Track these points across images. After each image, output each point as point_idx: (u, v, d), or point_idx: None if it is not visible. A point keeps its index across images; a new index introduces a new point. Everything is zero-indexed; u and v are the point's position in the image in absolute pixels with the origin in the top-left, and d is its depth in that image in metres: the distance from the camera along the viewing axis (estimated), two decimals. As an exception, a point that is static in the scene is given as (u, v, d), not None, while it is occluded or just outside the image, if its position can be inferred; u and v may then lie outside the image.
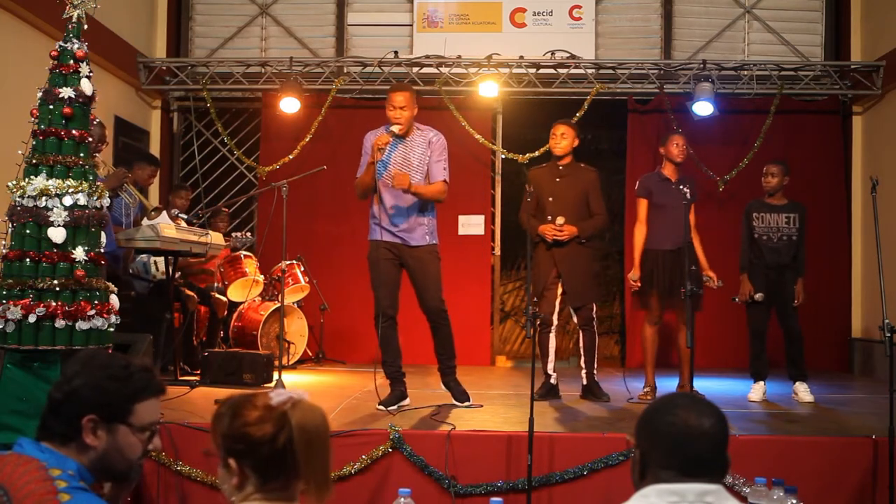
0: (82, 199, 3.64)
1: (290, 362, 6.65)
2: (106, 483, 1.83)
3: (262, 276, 6.81)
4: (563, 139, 5.26)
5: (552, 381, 5.22)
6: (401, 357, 4.73)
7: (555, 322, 5.24)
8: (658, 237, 5.28)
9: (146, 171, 5.87)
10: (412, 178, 4.59)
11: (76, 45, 3.75)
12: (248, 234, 7.10)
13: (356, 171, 7.60)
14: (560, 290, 5.21)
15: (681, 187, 5.15)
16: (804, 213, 5.46)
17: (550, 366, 5.22)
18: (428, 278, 4.65)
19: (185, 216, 5.98)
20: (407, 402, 4.68)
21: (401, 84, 4.95)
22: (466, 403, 4.67)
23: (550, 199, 5.20)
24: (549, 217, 5.17)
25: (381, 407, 4.54)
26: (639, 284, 5.29)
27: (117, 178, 5.19)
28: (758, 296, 5.35)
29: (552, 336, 5.24)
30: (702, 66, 7.42)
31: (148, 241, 5.10)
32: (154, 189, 7.91)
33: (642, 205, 5.40)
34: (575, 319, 5.26)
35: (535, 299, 4.84)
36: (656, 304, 5.31)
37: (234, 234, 7.06)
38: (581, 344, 5.25)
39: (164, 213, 5.81)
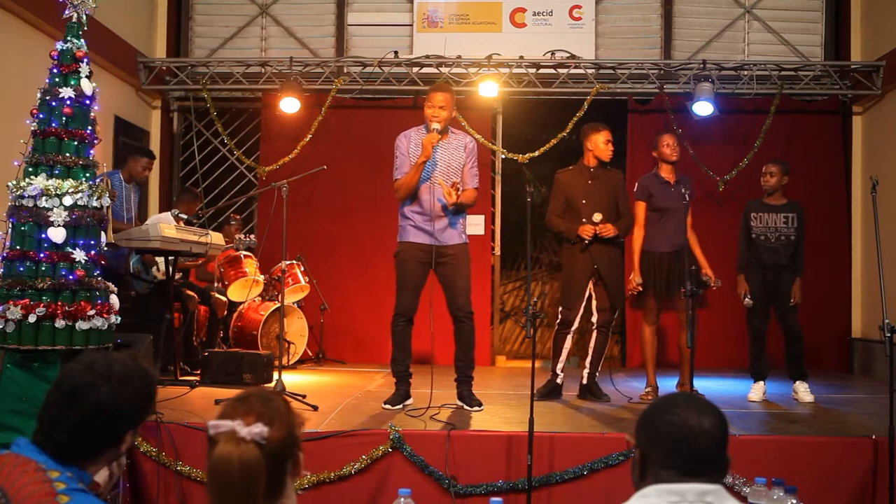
0: (82, 199, 3.64)
1: (290, 362, 6.65)
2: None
3: (262, 276, 6.81)
4: (612, 146, 5.27)
5: (558, 380, 5.22)
6: (410, 357, 4.77)
7: (576, 324, 5.23)
8: (656, 239, 5.30)
9: (140, 162, 5.89)
10: (452, 179, 4.62)
11: (76, 45, 3.75)
12: (252, 236, 7.12)
13: (356, 171, 7.70)
14: (587, 293, 5.20)
15: (682, 189, 5.15)
16: (802, 213, 5.46)
17: (560, 365, 5.22)
18: (460, 277, 4.68)
19: (186, 216, 5.98)
20: (410, 401, 4.71)
21: (441, 84, 4.89)
22: (477, 409, 4.67)
23: (584, 201, 5.18)
24: (584, 220, 5.14)
25: (387, 406, 4.59)
26: (640, 288, 5.29)
27: None
28: (747, 301, 5.36)
29: (569, 337, 5.23)
30: (702, 66, 7.42)
31: (148, 242, 5.09)
32: (154, 189, 7.93)
33: (640, 207, 5.40)
34: (594, 319, 5.23)
35: (536, 299, 4.84)
36: (654, 306, 5.32)
37: (237, 237, 7.08)
38: (593, 344, 5.23)
39: (168, 213, 5.82)
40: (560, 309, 5.21)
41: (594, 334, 5.25)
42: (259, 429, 1.53)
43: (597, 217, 5.12)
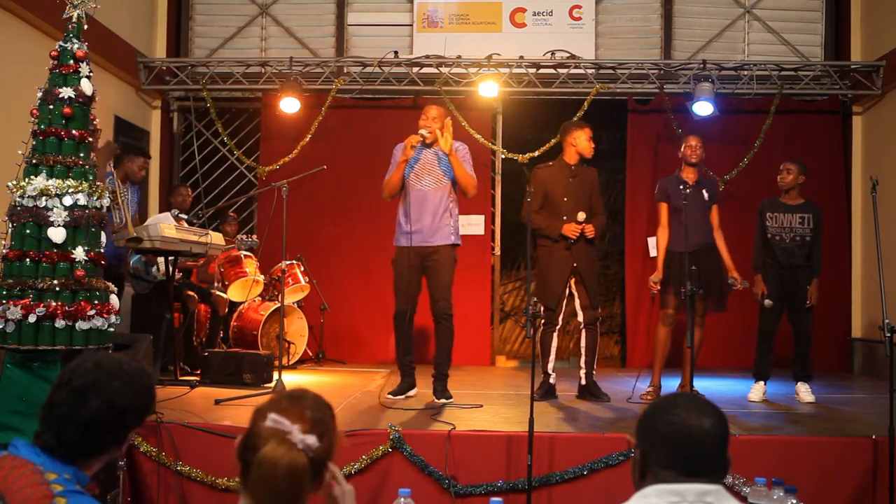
0: (82, 199, 3.64)
1: (290, 362, 6.65)
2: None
3: (262, 276, 6.81)
4: (593, 143, 5.31)
5: (551, 380, 5.22)
6: (412, 351, 4.94)
7: (559, 322, 5.24)
8: (676, 240, 5.26)
9: (136, 162, 5.89)
10: (441, 182, 4.80)
11: (76, 45, 3.75)
12: (254, 236, 7.12)
13: (356, 171, 7.70)
14: (567, 291, 5.21)
15: (702, 190, 5.15)
16: (819, 214, 5.41)
17: (550, 365, 5.22)
18: (440, 281, 4.82)
19: (186, 216, 5.98)
20: (414, 392, 4.86)
21: (437, 99, 5.15)
22: (443, 401, 4.77)
23: (565, 198, 5.18)
24: (565, 217, 5.14)
25: (391, 396, 4.73)
26: (658, 287, 5.28)
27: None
28: (767, 302, 5.31)
29: (555, 336, 5.24)
30: (702, 66, 7.42)
31: (148, 242, 5.09)
32: (154, 189, 7.93)
33: (663, 209, 5.39)
34: (580, 318, 5.24)
35: (535, 299, 4.84)
36: (673, 306, 5.30)
37: (238, 237, 7.07)
38: (583, 343, 5.24)
39: (168, 213, 5.82)
40: (542, 309, 5.20)
41: (583, 333, 5.25)
42: (312, 440, 1.57)
43: (581, 216, 5.13)
